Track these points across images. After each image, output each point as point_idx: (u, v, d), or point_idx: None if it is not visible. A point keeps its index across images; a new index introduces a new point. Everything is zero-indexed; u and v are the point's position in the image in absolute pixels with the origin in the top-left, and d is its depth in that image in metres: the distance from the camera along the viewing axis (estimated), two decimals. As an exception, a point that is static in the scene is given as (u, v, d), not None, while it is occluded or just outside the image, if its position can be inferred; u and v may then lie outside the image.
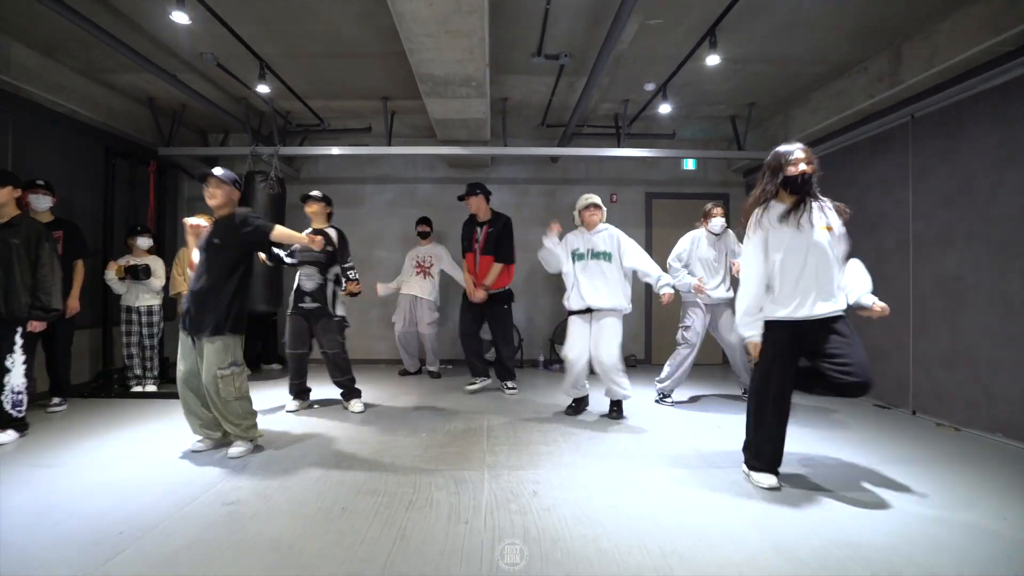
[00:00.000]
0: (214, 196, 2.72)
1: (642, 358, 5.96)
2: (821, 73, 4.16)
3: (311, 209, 3.71)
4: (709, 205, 3.93)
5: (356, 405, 3.68)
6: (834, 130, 4.41)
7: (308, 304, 3.54)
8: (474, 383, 4.34)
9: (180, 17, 2.97)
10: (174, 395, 2.87)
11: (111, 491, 2.23)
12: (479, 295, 4.11)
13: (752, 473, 2.38)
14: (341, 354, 3.62)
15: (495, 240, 4.11)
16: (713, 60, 3.46)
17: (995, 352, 3.11)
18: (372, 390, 4.41)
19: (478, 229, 4.19)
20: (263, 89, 4.07)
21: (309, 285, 3.54)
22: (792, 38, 3.61)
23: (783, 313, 2.23)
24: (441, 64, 3.33)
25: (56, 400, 3.58)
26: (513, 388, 4.28)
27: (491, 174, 6.02)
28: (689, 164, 5.91)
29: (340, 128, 5.49)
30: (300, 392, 3.73)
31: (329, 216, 3.78)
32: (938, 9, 3.18)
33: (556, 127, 5.41)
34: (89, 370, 4.43)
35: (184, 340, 2.72)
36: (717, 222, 3.86)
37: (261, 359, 5.57)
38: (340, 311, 3.63)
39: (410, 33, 2.94)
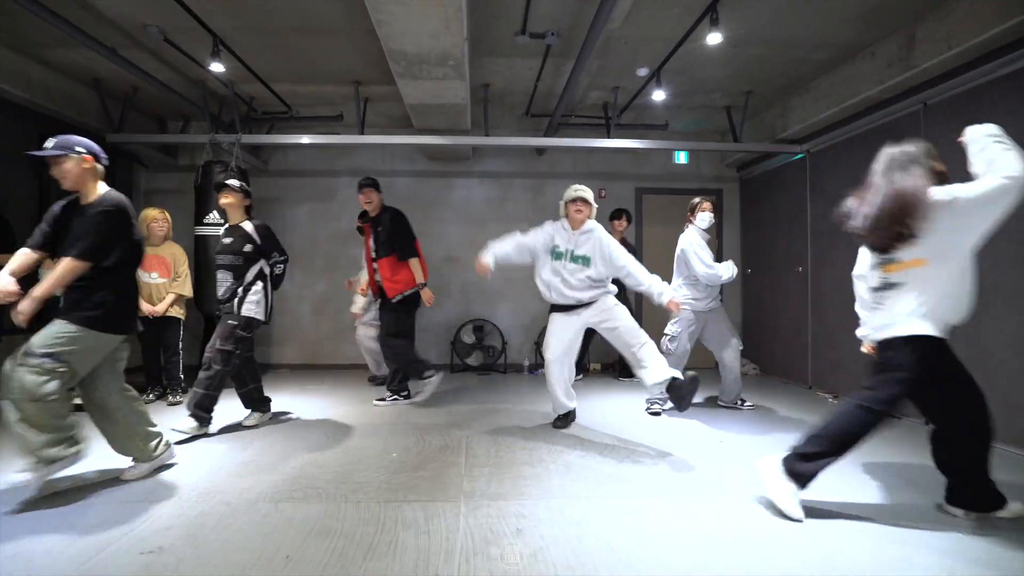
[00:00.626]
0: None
1: (632, 361, 5.67)
2: (825, 59, 3.90)
3: (226, 200, 3.17)
4: (697, 199, 3.65)
5: (251, 419, 3.30)
6: (836, 120, 4.15)
7: (223, 311, 3.17)
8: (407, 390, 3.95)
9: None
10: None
11: None
12: (427, 295, 3.77)
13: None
14: (218, 359, 3.01)
15: (387, 237, 3.67)
16: (715, 38, 3.15)
17: (1017, 360, 2.87)
18: (341, 400, 4.04)
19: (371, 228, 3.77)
20: (217, 68, 3.66)
21: (220, 291, 3.17)
22: (797, 19, 3.33)
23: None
24: (414, 38, 2.97)
25: None
26: (381, 402, 3.86)
27: (473, 167, 5.67)
28: (681, 157, 5.63)
29: (310, 116, 5.08)
30: (251, 402, 3.33)
31: (248, 210, 3.29)
32: (955, -14, 2.94)
33: (541, 117, 5.09)
34: None
35: None
36: (706, 217, 3.58)
37: None
38: (250, 311, 3.11)
39: (376, 0, 2.58)
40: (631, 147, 4.80)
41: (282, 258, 3.27)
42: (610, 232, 4.30)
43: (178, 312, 3.92)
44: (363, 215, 3.87)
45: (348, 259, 5.58)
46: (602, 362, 5.52)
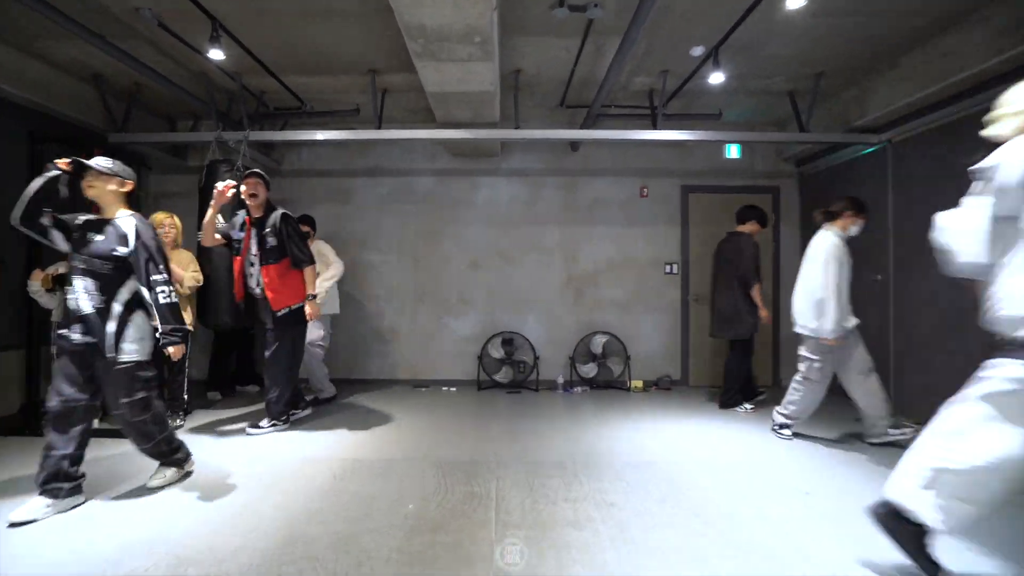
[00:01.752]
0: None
1: (678, 378, 5.10)
2: (920, 28, 3.26)
3: (89, 188, 2.31)
4: (842, 204, 3.18)
5: (156, 478, 2.49)
6: (931, 102, 3.51)
7: (77, 336, 2.25)
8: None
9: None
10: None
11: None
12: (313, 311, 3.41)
13: None
14: (138, 414, 2.32)
15: (278, 241, 3.30)
16: (796, 2, 2.59)
17: None
18: (355, 422, 3.61)
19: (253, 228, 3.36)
20: (217, 55, 3.28)
21: (83, 305, 2.25)
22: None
23: None
24: (434, 8, 2.50)
25: None
26: (258, 429, 3.36)
27: (500, 164, 5.20)
28: (733, 151, 5.02)
29: (324, 111, 4.69)
30: (160, 456, 2.52)
31: (129, 198, 2.42)
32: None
33: (577, 108, 4.58)
34: (17, 400, 3.67)
35: None
36: (859, 227, 3.19)
37: (237, 380, 4.81)
38: (133, 350, 2.30)
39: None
40: (681, 139, 4.23)
41: (163, 278, 2.35)
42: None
43: (187, 321, 3.56)
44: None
45: (366, 264, 5.19)
46: (644, 380, 4.96)
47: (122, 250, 2.30)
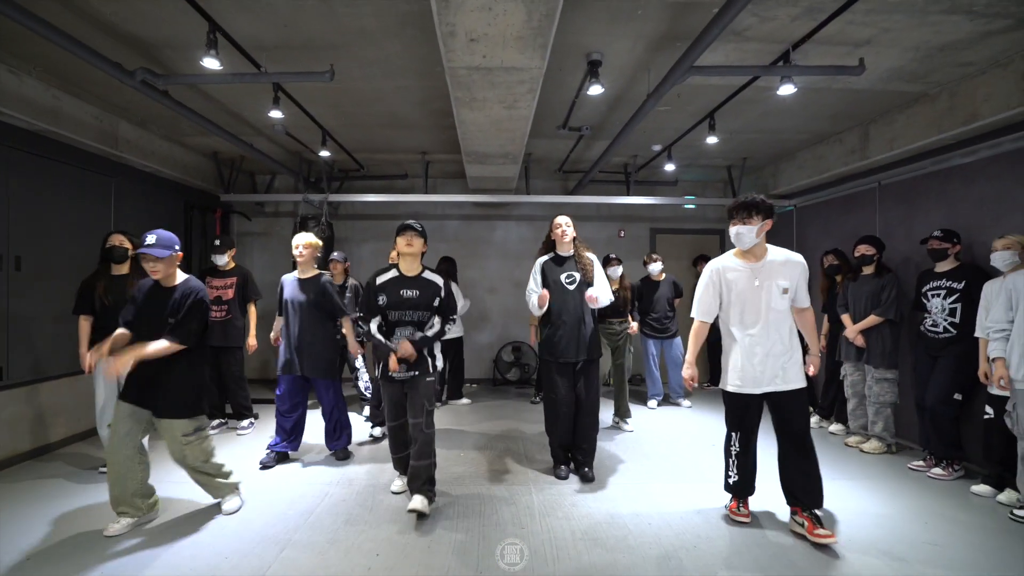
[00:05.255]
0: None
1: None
2: (804, 139, 4.87)
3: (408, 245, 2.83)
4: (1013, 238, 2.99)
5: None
6: (814, 185, 5.11)
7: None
8: None
9: (276, 114, 3.60)
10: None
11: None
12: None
13: None
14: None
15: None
16: (712, 140, 4.15)
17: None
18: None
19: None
20: (324, 154, 4.73)
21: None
22: (778, 119, 4.30)
23: None
24: (486, 146, 4.01)
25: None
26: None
27: (512, 212, 6.69)
28: (689, 205, 6.60)
29: (378, 175, 6.15)
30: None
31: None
32: (896, 105, 3.89)
33: (571, 172, 6.10)
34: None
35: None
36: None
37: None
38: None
39: (466, 130, 3.62)
40: (647, 203, 5.78)
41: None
42: None
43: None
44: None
45: (407, 290, 6.62)
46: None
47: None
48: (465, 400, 5.43)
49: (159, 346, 2.37)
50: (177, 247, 2.49)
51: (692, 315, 2.70)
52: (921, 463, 3.45)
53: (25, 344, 3.58)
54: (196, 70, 3.22)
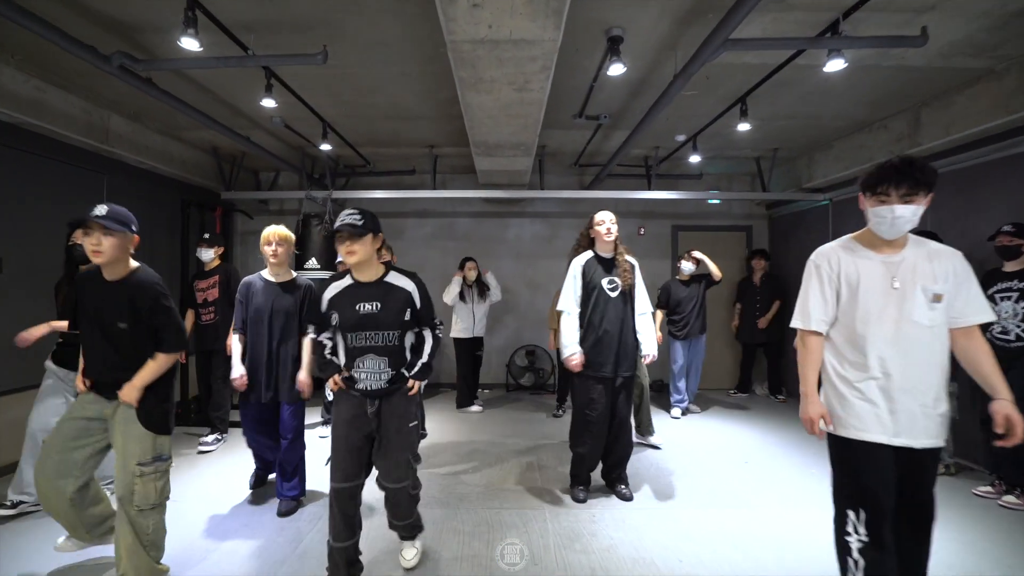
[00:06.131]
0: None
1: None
2: (843, 127, 4.44)
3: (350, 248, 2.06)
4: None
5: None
6: (853, 177, 4.69)
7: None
8: None
9: (269, 102, 3.34)
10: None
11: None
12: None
13: None
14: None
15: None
16: (744, 127, 3.77)
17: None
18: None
19: None
20: (325, 147, 4.46)
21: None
22: (817, 103, 3.90)
23: None
24: (496, 135, 3.69)
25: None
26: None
27: (526, 208, 6.37)
28: (714, 200, 6.19)
29: (385, 171, 5.87)
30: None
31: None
32: (955, 85, 3.47)
33: (588, 166, 5.75)
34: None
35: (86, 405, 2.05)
36: None
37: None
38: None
39: (473, 116, 3.31)
40: (669, 198, 5.40)
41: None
42: None
43: None
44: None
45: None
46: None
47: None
48: (477, 407, 5.14)
49: (158, 367, 2.00)
50: (134, 227, 2.00)
51: (795, 324, 1.84)
52: (989, 488, 3.05)
53: (7, 351, 3.37)
54: (181, 55, 2.97)
